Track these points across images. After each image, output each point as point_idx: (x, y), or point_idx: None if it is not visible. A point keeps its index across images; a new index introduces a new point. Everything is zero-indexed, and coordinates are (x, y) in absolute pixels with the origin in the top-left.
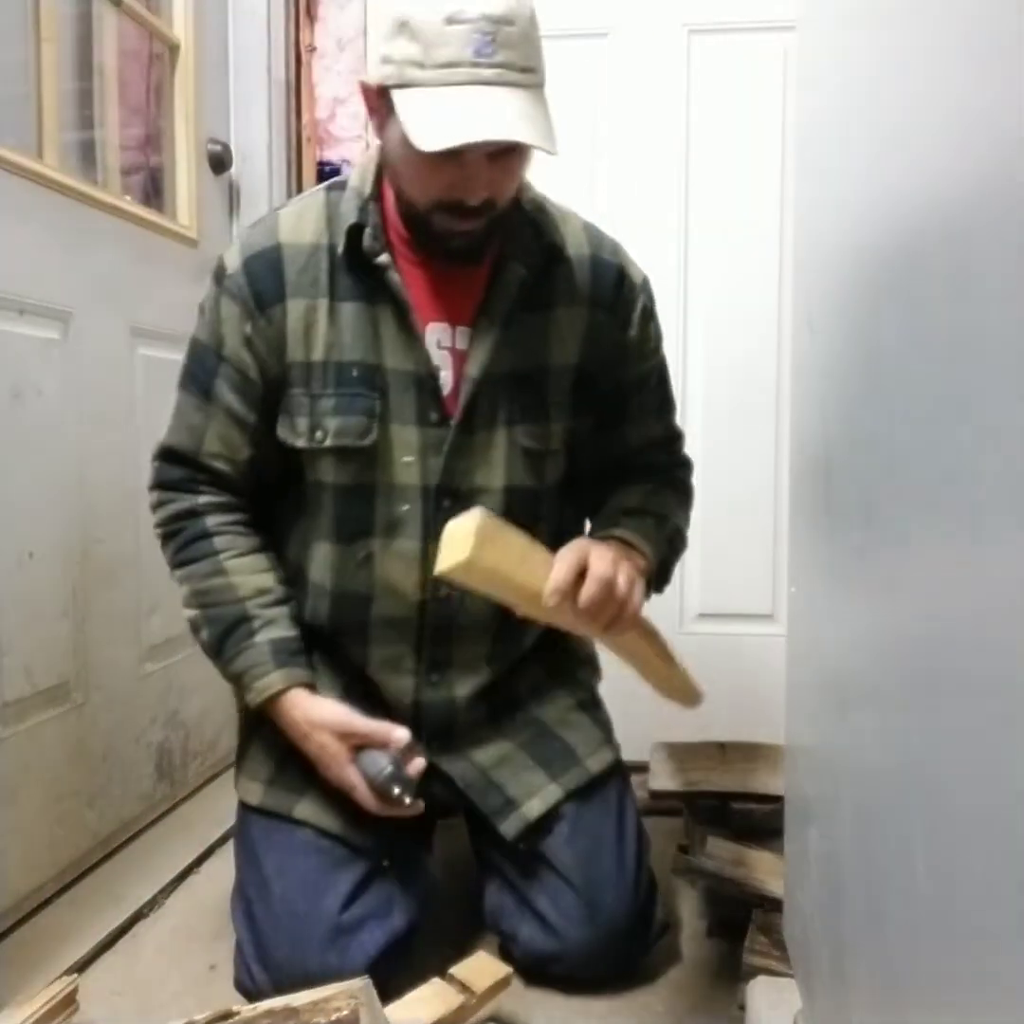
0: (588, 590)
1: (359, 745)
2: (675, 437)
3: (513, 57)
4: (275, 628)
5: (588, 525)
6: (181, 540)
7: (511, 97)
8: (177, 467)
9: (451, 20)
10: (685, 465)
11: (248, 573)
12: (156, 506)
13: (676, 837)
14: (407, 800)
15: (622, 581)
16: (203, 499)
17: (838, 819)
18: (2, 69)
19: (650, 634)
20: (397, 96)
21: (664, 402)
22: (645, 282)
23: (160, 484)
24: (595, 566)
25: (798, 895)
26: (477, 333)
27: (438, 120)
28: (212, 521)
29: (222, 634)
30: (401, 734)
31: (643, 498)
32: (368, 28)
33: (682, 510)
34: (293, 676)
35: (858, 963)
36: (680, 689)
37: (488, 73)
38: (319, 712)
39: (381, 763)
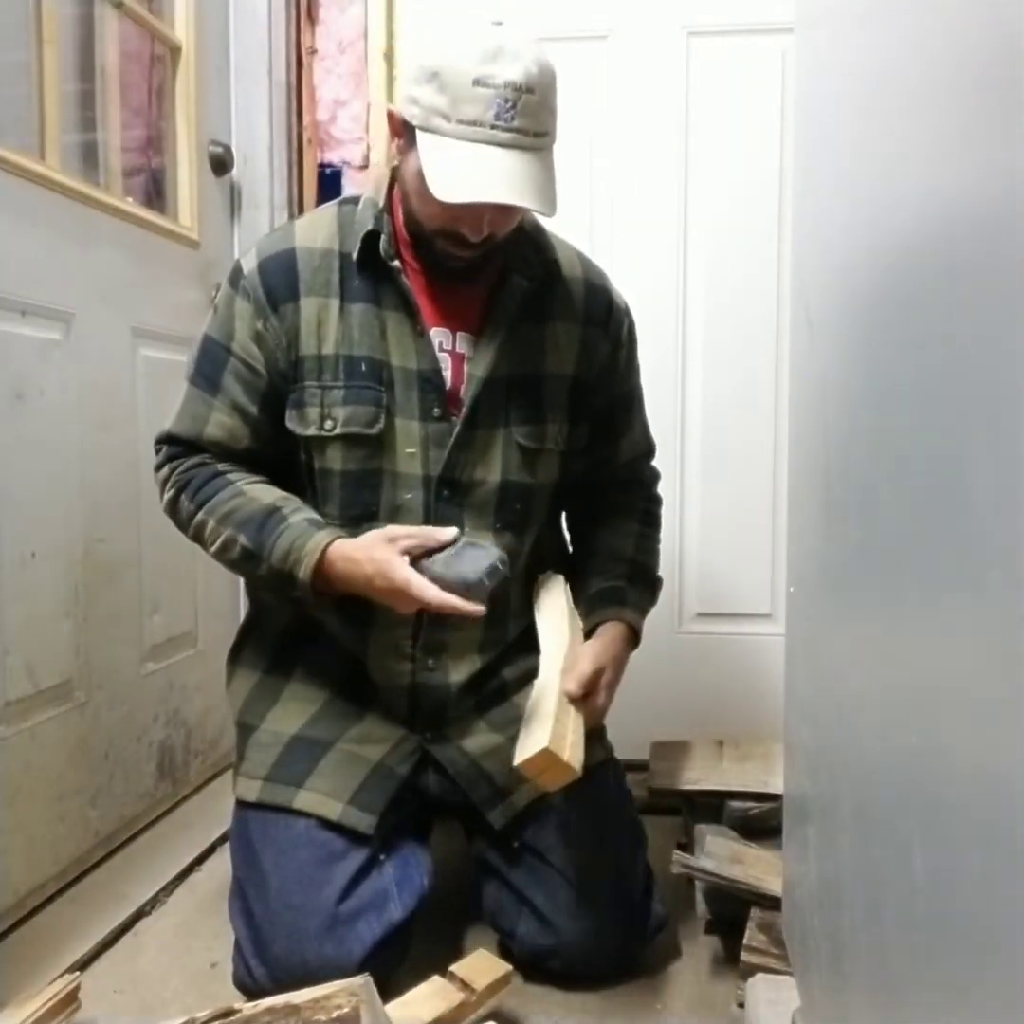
0: (590, 678)
1: (413, 558)
2: (653, 450)
3: (528, 124)
4: (305, 512)
5: (566, 520)
6: (196, 484)
7: (520, 161)
8: (179, 447)
9: (478, 82)
10: (659, 501)
11: (265, 493)
12: (166, 477)
13: (675, 835)
14: (485, 581)
15: (609, 679)
16: (209, 455)
17: (836, 817)
18: (3, 71)
19: (580, 719)
20: (421, 139)
21: (643, 417)
22: (628, 308)
23: (168, 458)
24: (607, 675)
25: (797, 893)
26: (483, 337)
27: (455, 173)
28: (222, 466)
29: (258, 528)
30: (447, 532)
31: (635, 544)
32: (369, 30)
33: (658, 555)
34: (335, 533)
35: (856, 961)
36: (554, 760)
37: (504, 136)
38: (368, 535)
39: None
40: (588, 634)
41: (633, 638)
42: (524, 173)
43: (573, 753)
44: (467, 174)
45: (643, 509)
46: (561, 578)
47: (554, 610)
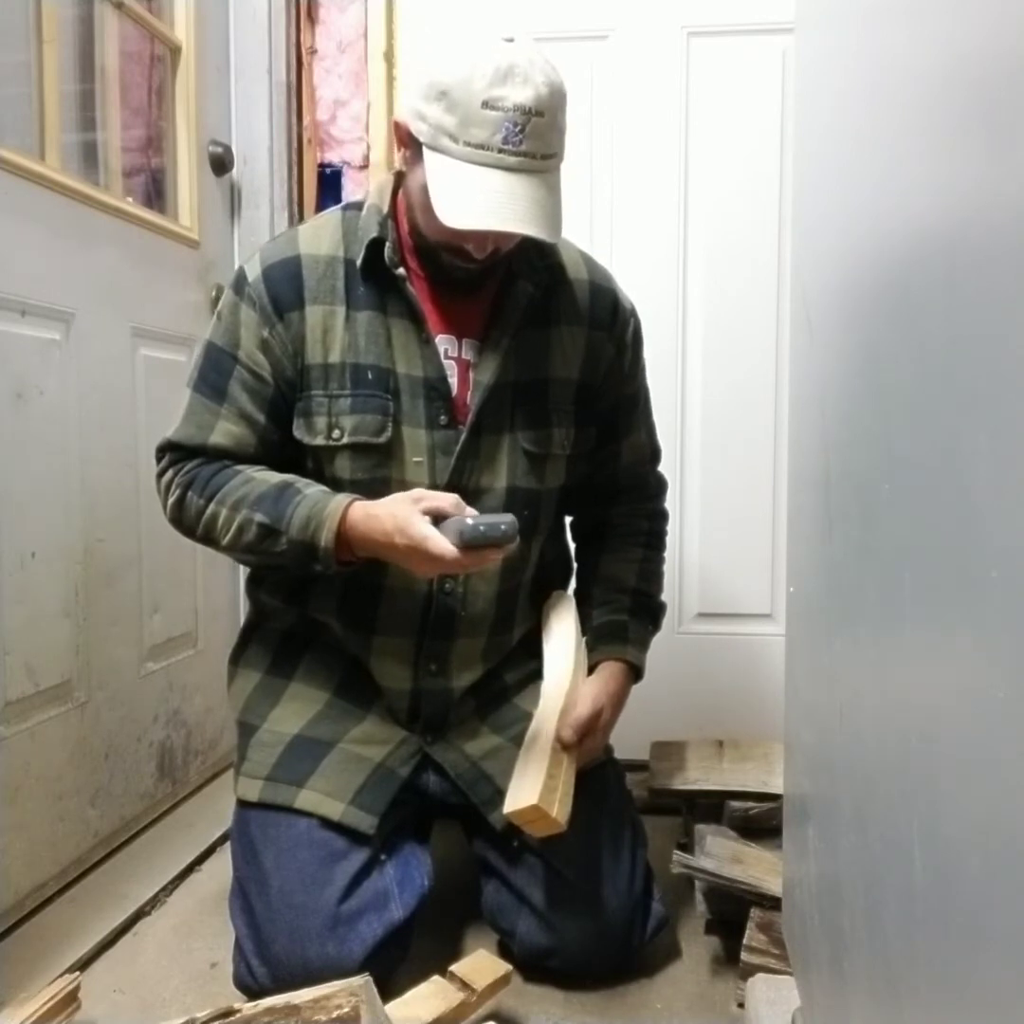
0: (587, 723)
1: (433, 517)
2: (658, 453)
3: (537, 146)
4: (319, 485)
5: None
6: (203, 479)
7: (527, 186)
8: (182, 453)
9: (487, 105)
10: (664, 516)
11: (275, 474)
12: (170, 479)
13: (675, 835)
14: (505, 528)
15: (607, 720)
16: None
17: (836, 817)
18: (4, 71)
19: (572, 769)
20: (428, 158)
21: (649, 420)
22: (634, 309)
23: (170, 464)
24: (605, 715)
25: (796, 893)
26: (488, 344)
27: (461, 197)
28: (227, 461)
29: (274, 501)
30: (467, 509)
31: (639, 571)
32: (369, 30)
33: (661, 578)
34: (354, 495)
35: (856, 961)
36: (542, 814)
37: (511, 160)
38: (389, 497)
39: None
40: (591, 669)
41: (634, 674)
42: (530, 198)
43: (561, 807)
44: (473, 198)
45: (647, 530)
46: (572, 600)
47: (562, 638)
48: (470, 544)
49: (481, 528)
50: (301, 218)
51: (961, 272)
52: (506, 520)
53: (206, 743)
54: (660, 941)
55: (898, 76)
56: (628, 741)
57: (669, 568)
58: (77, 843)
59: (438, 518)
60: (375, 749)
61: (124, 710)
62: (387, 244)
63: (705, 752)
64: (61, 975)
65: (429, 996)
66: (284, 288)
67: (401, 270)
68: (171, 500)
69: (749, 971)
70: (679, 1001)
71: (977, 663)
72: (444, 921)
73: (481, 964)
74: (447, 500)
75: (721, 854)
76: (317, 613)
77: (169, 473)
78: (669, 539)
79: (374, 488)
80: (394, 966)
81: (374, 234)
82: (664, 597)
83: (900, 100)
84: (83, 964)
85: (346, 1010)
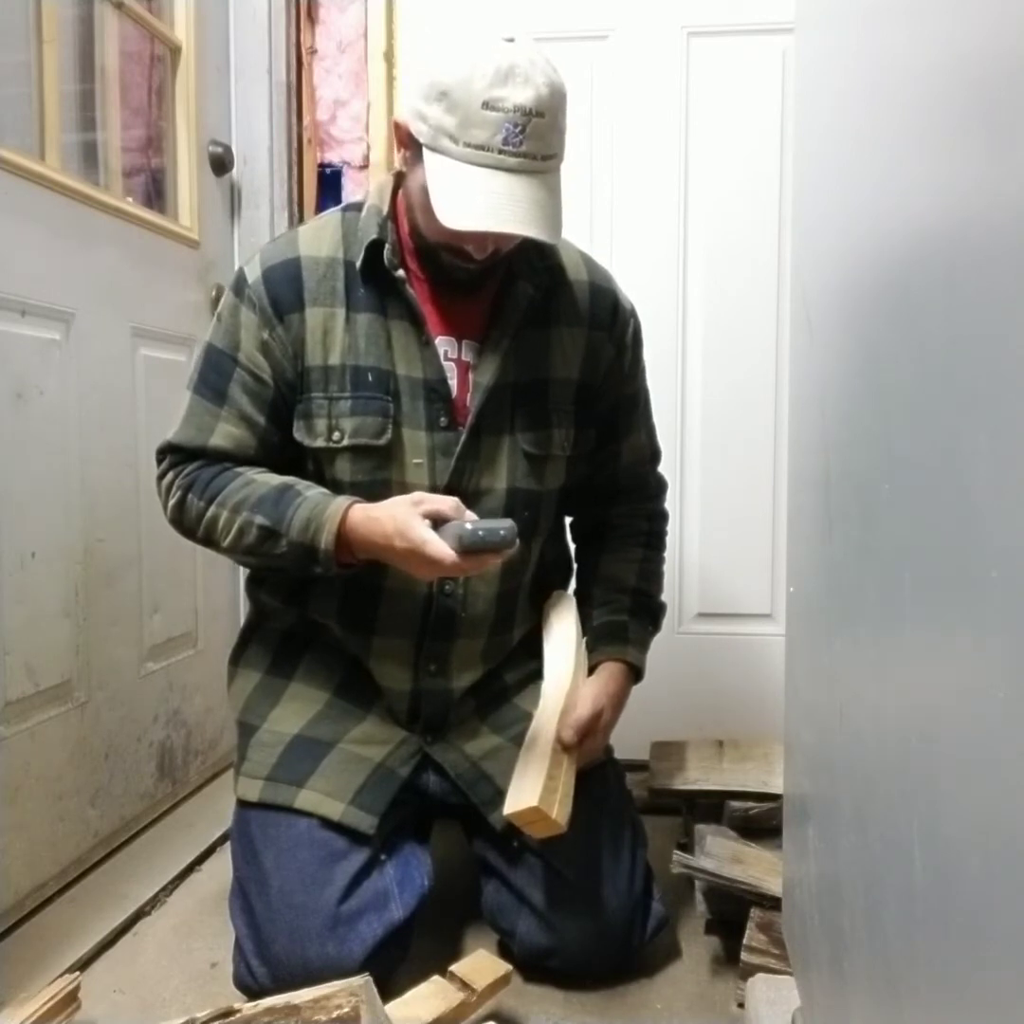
0: (587, 723)
1: (433, 521)
2: (658, 454)
3: (537, 147)
4: (319, 488)
5: (571, 521)
6: (203, 481)
7: (527, 187)
8: (182, 455)
9: (488, 105)
10: (664, 516)
11: (275, 476)
12: (171, 482)
13: (675, 835)
14: (503, 533)
15: (608, 721)
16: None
17: (836, 817)
18: (4, 71)
19: (572, 770)
20: (428, 159)
21: (649, 421)
22: (634, 309)
23: (170, 466)
24: (605, 716)
25: (796, 893)
26: (488, 345)
27: (461, 198)
28: (228, 463)
29: (274, 504)
30: (468, 513)
31: (639, 571)
32: (369, 30)
33: (661, 578)
34: (354, 498)
35: (856, 961)
36: (542, 815)
37: (512, 161)
38: (389, 499)
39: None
40: (591, 669)
41: (635, 675)
42: (530, 199)
43: (561, 809)
44: (473, 200)
45: (647, 530)
46: (572, 600)
47: (562, 638)
48: (469, 549)
49: (480, 533)
50: (301, 218)
51: (961, 272)
52: (505, 525)
53: (206, 743)
54: (660, 941)
55: (898, 76)
56: (628, 741)
57: (669, 568)
58: (77, 843)
59: (438, 521)
60: (375, 749)
61: (124, 710)
62: (386, 246)
63: (705, 752)
64: (61, 975)
65: (429, 996)
66: (284, 290)
67: (400, 272)
68: (172, 502)
69: (749, 971)
70: (679, 1001)
71: (977, 663)
72: (444, 921)
73: (481, 964)
74: (447, 503)
75: (721, 854)
76: (317, 615)
77: (169, 475)
78: (669, 539)
79: (374, 490)
80: (394, 966)
81: (373, 236)
82: (664, 597)
83: (900, 100)
84: (83, 964)
85: (346, 1010)
